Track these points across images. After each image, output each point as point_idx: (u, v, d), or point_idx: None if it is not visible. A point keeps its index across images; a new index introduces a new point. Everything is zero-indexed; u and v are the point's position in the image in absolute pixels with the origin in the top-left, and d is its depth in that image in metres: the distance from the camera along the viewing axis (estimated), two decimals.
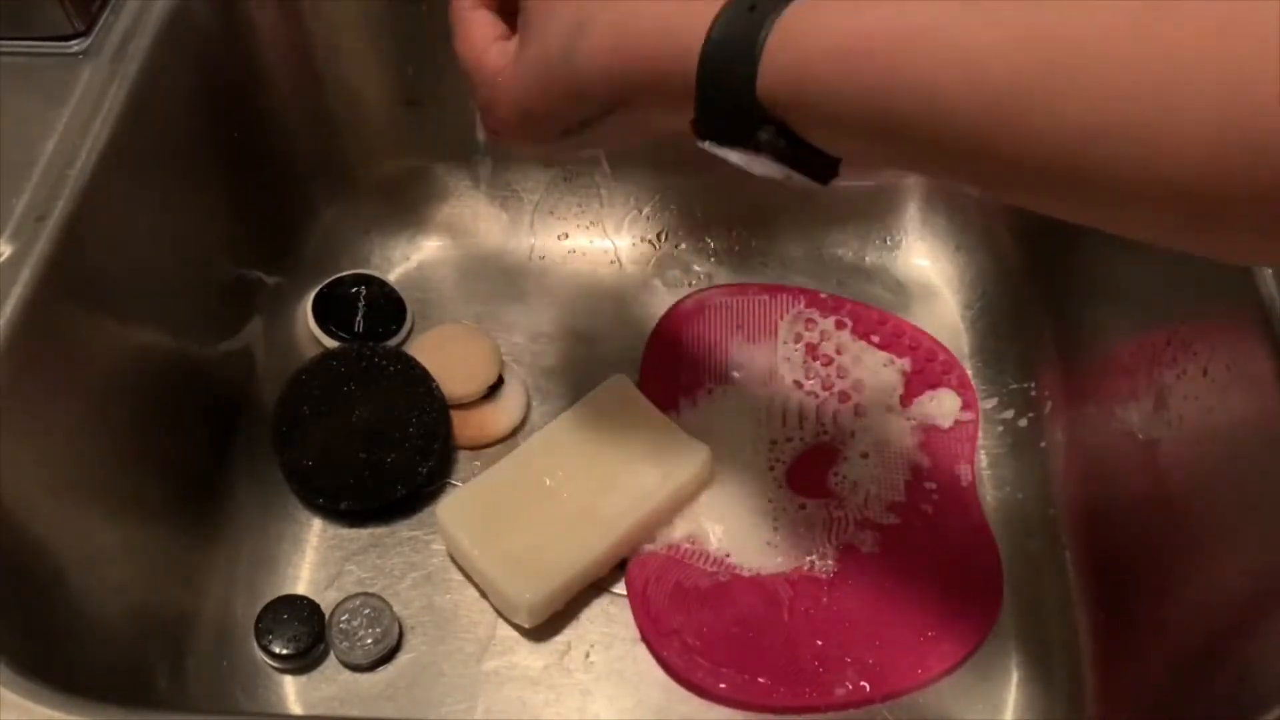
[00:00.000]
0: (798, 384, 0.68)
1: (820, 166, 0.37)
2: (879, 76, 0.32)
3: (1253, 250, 0.32)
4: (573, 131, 0.41)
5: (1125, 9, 0.29)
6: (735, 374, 0.68)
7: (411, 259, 0.75)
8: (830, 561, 0.61)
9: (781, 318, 0.71)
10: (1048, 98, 0.29)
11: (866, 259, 0.75)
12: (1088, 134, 0.29)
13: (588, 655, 0.59)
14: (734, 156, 0.37)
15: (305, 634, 0.57)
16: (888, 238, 0.75)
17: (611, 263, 0.75)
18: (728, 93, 0.35)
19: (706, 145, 0.38)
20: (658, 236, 0.76)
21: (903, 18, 0.32)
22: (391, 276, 0.73)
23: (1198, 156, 0.28)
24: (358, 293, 0.70)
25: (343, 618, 0.58)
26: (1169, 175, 0.28)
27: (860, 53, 0.33)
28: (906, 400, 0.67)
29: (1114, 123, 0.29)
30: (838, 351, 0.69)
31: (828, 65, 0.33)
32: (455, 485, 0.64)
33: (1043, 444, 0.65)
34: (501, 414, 0.67)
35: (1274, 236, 0.29)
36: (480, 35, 0.43)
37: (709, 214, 0.75)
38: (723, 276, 0.74)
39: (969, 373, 0.69)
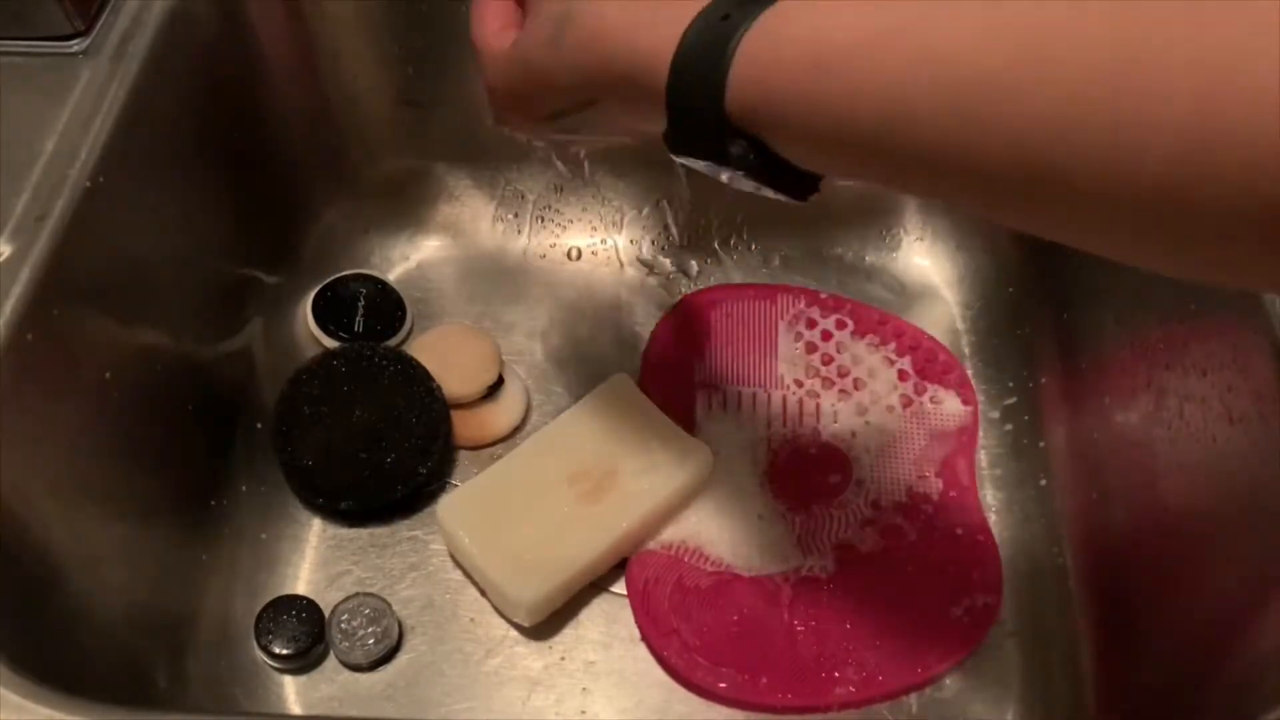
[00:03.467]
0: (798, 384, 0.68)
1: (794, 182, 0.36)
2: (849, 84, 0.31)
3: (1235, 265, 0.29)
4: (561, 115, 0.42)
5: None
6: (735, 374, 0.68)
7: (411, 259, 0.75)
8: (830, 561, 0.61)
9: (781, 318, 0.71)
10: (1016, 91, 0.28)
11: (866, 259, 0.75)
12: (1061, 127, 0.28)
13: (588, 655, 0.58)
14: (705, 168, 0.36)
15: (305, 634, 0.57)
16: (888, 238, 0.75)
17: (611, 262, 0.75)
18: (697, 105, 0.34)
19: (679, 159, 0.37)
20: (658, 236, 0.76)
21: (868, 20, 0.31)
22: (391, 276, 0.73)
23: (1173, 148, 0.26)
24: (357, 293, 0.70)
25: (343, 618, 0.58)
26: (1145, 169, 0.27)
27: (829, 62, 0.32)
28: (907, 400, 0.67)
29: (1086, 113, 0.27)
30: (838, 351, 0.69)
31: (797, 76, 0.32)
32: (455, 485, 0.64)
33: (1042, 444, 0.65)
34: (501, 414, 0.67)
35: (1249, 242, 0.27)
36: (492, 18, 0.44)
37: (709, 214, 0.75)
38: (723, 276, 0.74)
39: (969, 373, 0.69)
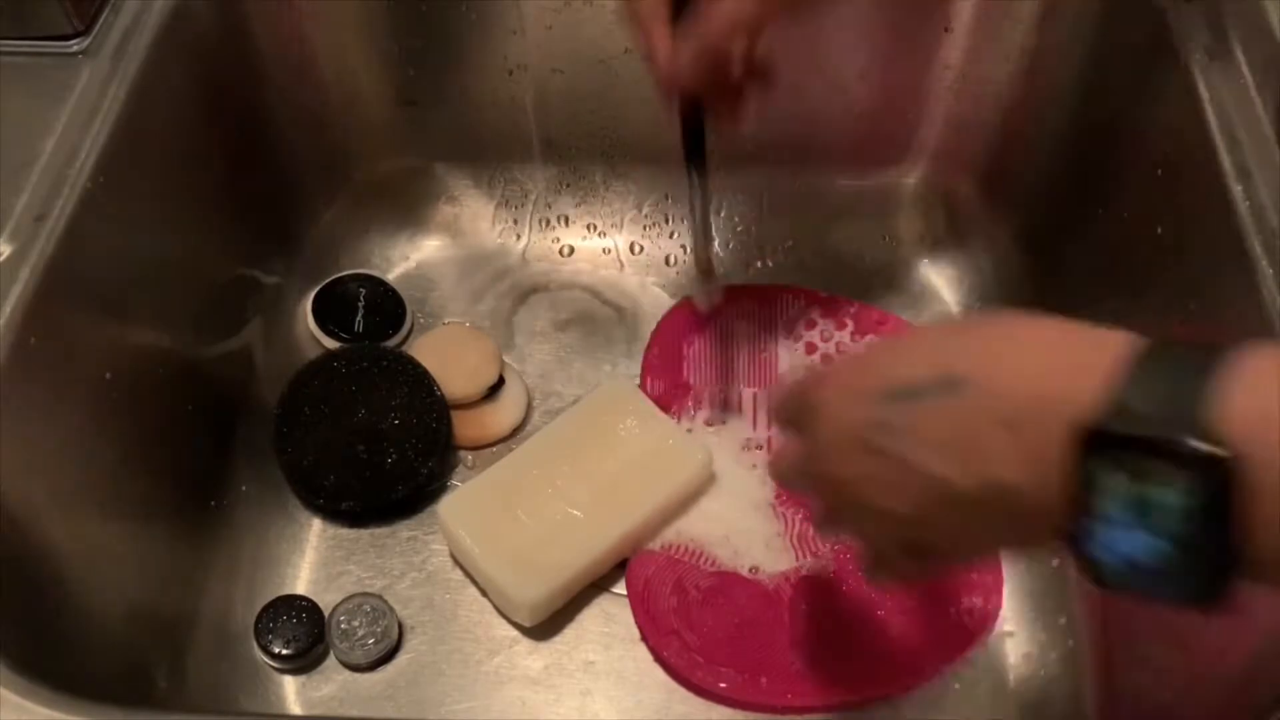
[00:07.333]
0: None
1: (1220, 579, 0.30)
2: None
3: None
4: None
5: None
6: (736, 374, 0.68)
7: (411, 259, 0.75)
8: (830, 561, 0.61)
9: (781, 318, 0.71)
10: None
11: (866, 259, 0.75)
12: None
13: (588, 655, 0.58)
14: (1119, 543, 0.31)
15: (305, 634, 0.57)
16: (888, 238, 0.75)
17: (612, 262, 0.75)
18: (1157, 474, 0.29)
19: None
20: (658, 236, 0.76)
21: None
22: (391, 276, 0.73)
23: None
24: (357, 293, 0.70)
25: (342, 618, 0.58)
26: None
27: None
28: None
29: None
30: (838, 351, 0.69)
31: None
32: (456, 485, 0.64)
33: None
34: (501, 414, 0.67)
35: None
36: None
37: (709, 214, 0.75)
38: (723, 277, 0.74)
39: None
